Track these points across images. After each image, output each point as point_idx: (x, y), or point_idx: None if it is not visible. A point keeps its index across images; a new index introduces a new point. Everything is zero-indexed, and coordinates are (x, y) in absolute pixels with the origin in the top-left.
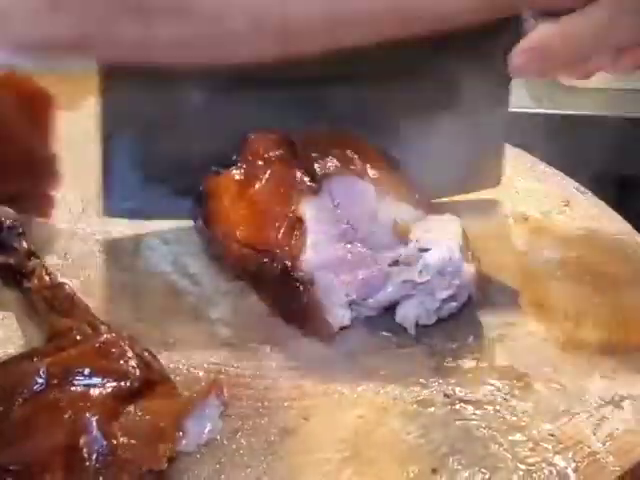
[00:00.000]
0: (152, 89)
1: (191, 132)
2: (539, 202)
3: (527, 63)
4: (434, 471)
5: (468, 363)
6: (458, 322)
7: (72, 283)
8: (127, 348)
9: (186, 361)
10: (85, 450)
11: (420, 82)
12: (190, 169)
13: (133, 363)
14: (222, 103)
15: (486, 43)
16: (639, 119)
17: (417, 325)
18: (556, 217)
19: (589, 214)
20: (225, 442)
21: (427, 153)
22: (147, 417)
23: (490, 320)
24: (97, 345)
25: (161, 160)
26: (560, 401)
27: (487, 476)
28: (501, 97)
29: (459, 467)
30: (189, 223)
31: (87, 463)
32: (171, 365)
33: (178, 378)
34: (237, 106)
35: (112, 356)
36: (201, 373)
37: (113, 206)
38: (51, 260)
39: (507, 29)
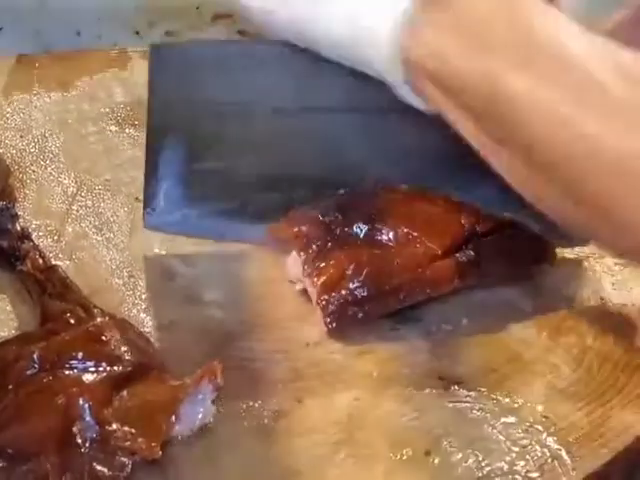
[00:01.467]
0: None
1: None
2: None
3: None
4: (427, 453)
5: (462, 345)
6: (452, 303)
7: (65, 265)
8: (120, 332)
9: (180, 344)
10: (78, 437)
11: None
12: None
13: (126, 347)
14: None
15: None
16: None
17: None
18: None
19: None
20: (218, 425)
21: None
22: (140, 403)
23: (485, 300)
24: (90, 329)
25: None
26: (554, 382)
27: (480, 458)
28: None
29: (452, 449)
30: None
31: (81, 449)
32: (164, 348)
33: (172, 361)
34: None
35: (105, 340)
36: (194, 356)
37: (154, 220)
38: (45, 242)
39: None
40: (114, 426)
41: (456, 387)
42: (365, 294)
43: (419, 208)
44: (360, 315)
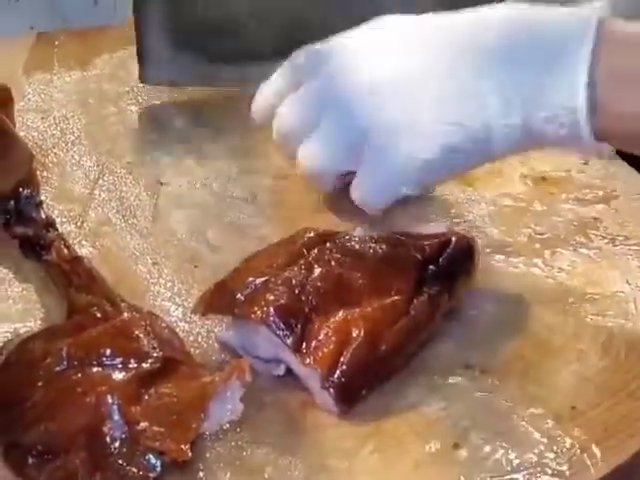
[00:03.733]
0: None
1: None
2: (558, 160)
3: None
4: (456, 446)
5: (488, 332)
6: (477, 290)
7: (89, 252)
8: (148, 327)
9: (205, 333)
10: (107, 436)
11: None
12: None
13: (154, 343)
14: None
15: None
16: None
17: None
18: (575, 176)
19: (609, 173)
20: (247, 418)
21: None
22: (169, 401)
23: (510, 285)
24: (117, 325)
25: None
26: (582, 371)
27: (509, 450)
28: None
29: (481, 442)
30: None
31: (110, 449)
32: (190, 338)
33: (197, 351)
34: None
35: (132, 336)
36: (220, 344)
37: (149, 74)
38: (68, 228)
39: None
40: (143, 425)
41: (483, 376)
42: (366, 358)
43: (369, 255)
44: (365, 392)
